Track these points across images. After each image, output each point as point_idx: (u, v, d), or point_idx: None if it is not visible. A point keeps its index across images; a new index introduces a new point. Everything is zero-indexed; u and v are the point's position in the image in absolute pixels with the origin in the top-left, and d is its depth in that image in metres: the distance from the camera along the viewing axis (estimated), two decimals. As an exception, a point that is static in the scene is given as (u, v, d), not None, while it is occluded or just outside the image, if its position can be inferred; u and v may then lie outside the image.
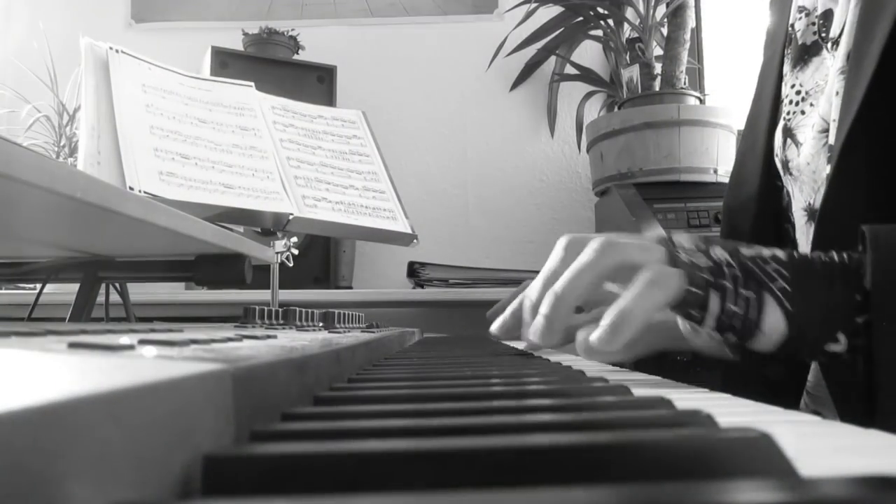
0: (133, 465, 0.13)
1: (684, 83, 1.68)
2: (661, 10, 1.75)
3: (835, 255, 0.48)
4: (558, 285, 0.47)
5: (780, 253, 0.48)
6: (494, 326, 0.61)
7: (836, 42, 0.63)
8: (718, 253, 0.47)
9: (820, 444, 0.21)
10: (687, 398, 0.37)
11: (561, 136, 2.09)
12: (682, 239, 0.49)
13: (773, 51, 0.73)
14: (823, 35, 0.66)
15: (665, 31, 1.71)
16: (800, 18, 0.69)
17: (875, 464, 0.19)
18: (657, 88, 1.68)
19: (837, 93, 0.58)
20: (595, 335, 0.43)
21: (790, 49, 0.70)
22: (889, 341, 0.45)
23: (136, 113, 0.95)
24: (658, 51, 1.74)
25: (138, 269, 0.89)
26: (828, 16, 0.65)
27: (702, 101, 1.72)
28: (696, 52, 2.05)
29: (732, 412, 0.30)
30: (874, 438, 0.22)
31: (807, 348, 0.47)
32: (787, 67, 0.70)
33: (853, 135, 0.54)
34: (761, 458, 0.15)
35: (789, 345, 0.46)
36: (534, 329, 0.48)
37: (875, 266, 0.45)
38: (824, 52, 0.65)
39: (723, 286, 0.45)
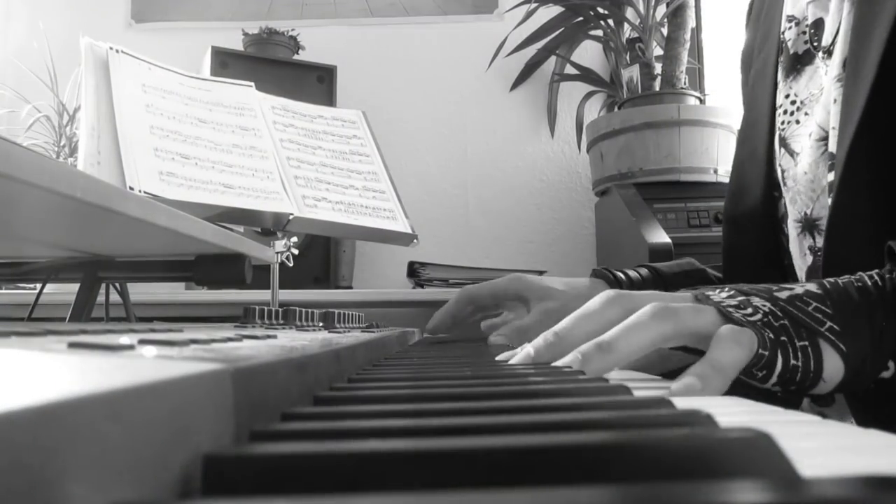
0: (132, 465, 0.13)
1: (684, 83, 1.68)
2: (661, 10, 1.75)
3: (867, 280, 0.47)
4: (611, 335, 0.42)
5: (812, 288, 0.47)
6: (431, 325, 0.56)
7: (828, 50, 0.63)
8: (759, 304, 0.45)
9: (820, 444, 0.21)
10: (687, 398, 0.37)
11: (561, 136, 2.09)
12: (718, 295, 0.46)
13: (765, 61, 0.73)
14: (815, 44, 0.66)
15: (665, 31, 1.71)
16: (789, 28, 0.69)
17: (875, 464, 0.19)
18: (657, 88, 1.68)
19: (835, 100, 0.59)
20: (688, 385, 0.39)
21: (782, 58, 0.70)
22: None
23: (136, 113, 0.95)
24: (658, 51, 1.75)
25: (138, 269, 0.89)
26: (819, 24, 0.65)
27: (702, 101, 1.72)
28: (696, 52, 2.05)
29: (732, 412, 0.30)
30: (874, 438, 0.22)
31: (862, 383, 0.46)
32: (779, 76, 0.70)
33: (857, 142, 0.54)
34: (761, 458, 0.15)
35: (846, 384, 0.45)
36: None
37: None
38: (817, 60, 0.66)
39: (783, 343, 0.44)
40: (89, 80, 0.92)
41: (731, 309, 0.45)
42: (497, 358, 0.50)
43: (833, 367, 0.44)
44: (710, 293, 0.47)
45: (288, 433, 0.19)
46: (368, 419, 0.21)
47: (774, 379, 0.44)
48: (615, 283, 0.81)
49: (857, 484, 0.12)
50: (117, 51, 0.97)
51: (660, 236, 1.40)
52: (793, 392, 0.46)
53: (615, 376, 0.43)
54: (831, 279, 0.48)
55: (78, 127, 1.59)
